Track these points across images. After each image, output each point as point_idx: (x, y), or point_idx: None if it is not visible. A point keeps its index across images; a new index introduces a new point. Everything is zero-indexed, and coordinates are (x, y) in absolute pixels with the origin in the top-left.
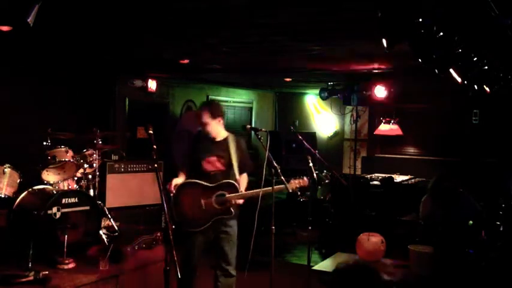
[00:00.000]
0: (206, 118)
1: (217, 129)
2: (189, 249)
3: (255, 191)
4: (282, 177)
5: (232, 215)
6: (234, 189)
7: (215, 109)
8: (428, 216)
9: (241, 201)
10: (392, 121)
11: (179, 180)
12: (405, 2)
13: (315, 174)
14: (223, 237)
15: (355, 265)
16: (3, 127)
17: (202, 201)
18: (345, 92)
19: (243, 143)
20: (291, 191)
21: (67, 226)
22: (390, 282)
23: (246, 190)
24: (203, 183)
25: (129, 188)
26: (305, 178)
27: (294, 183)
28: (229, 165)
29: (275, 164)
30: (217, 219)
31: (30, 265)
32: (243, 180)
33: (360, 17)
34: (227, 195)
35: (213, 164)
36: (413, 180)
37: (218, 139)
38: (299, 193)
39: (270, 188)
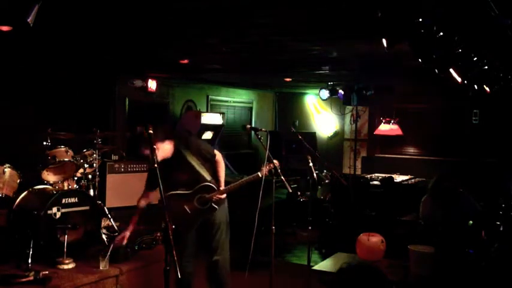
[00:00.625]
0: (146, 151)
1: (162, 151)
2: (182, 249)
3: (232, 185)
4: (282, 177)
5: (217, 210)
6: (211, 189)
7: (144, 143)
8: (428, 216)
9: (223, 196)
10: (392, 121)
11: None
12: (405, 2)
13: (315, 174)
14: (209, 226)
15: (360, 266)
16: (3, 127)
17: (187, 208)
18: (345, 92)
19: (192, 138)
20: (261, 175)
21: (67, 226)
22: (390, 282)
23: (225, 176)
24: (181, 192)
25: (129, 188)
26: (275, 160)
27: (264, 169)
28: (192, 171)
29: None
30: (203, 217)
31: (30, 265)
32: (219, 169)
33: (359, 17)
34: (207, 196)
35: (177, 178)
36: (413, 180)
37: (170, 155)
38: (299, 193)
39: (245, 179)
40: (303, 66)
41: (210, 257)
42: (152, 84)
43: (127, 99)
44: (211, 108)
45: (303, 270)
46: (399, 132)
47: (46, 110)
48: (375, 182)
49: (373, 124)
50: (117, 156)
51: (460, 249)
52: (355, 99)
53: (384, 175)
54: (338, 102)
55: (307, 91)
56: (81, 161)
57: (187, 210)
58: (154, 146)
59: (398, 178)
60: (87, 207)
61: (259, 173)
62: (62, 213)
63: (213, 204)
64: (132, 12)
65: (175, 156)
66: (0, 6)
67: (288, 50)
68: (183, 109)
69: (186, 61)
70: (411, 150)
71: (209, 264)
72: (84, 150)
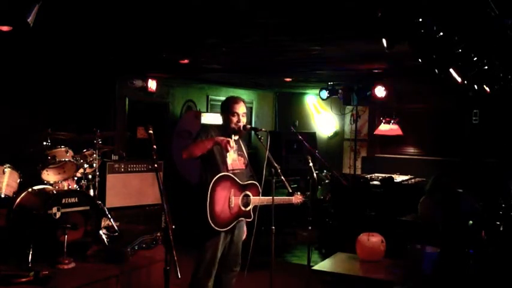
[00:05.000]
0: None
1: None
2: (212, 253)
3: (270, 197)
4: (282, 177)
5: (251, 219)
6: (258, 192)
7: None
8: (428, 217)
9: (258, 203)
10: (392, 121)
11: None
12: (405, 2)
13: (315, 174)
14: (236, 238)
15: None
16: (3, 127)
17: (233, 198)
18: (344, 92)
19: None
20: (294, 202)
21: (67, 226)
22: (390, 282)
23: None
24: (236, 179)
25: (129, 188)
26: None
27: (297, 199)
28: (247, 165)
29: (275, 164)
30: (239, 221)
31: (30, 265)
32: None
33: (360, 17)
34: (251, 198)
35: (236, 162)
36: (413, 180)
37: (235, 137)
38: (299, 193)
39: (290, 198)
40: (303, 66)
41: (233, 269)
42: (152, 84)
43: (127, 99)
44: (211, 108)
45: (303, 270)
46: (399, 132)
47: (46, 110)
48: (375, 182)
49: (373, 124)
50: (117, 156)
51: (460, 249)
52: (355, 99)
53: (384, 175)
54: (338, 102)
55: (307, 91)
56: (81, 161)
57: (232, 202)
58: (154, 146)
59: (398, 178)
60: (87, 207)
61: (293, 199)
62: (62, 213)
63: (251, 211)
64: (132, 12)
65: (238, 141)
66: (0, 6)
67: (288, 50)
68: (183, 109)
69: (186, 61)
70: (411, 150)
71: (228, 272)
72: (84, 150)
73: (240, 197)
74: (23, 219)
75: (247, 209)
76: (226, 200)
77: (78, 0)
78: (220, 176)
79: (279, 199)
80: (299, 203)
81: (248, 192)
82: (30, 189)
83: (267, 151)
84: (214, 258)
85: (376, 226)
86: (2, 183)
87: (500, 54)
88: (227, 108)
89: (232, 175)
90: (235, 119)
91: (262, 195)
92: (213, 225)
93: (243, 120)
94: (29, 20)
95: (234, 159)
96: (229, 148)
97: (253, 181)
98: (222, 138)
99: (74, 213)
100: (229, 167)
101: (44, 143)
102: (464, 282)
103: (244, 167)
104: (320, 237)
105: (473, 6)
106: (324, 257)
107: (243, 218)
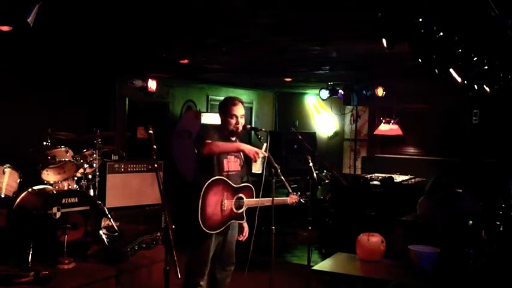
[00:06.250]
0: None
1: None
2: (204, 253)
3: (268, 199)
4: (282, 177)
5: (244, 220)
6: (251, 194)
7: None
8: (428, 217)
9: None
10: (392, 121)
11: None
12: (405, 2)
13: (315, 174)
14: (229, 238)
15: None
16: (3, 127)
17: (226, 202)
18: (344, 92)
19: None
20: (289, 203)
21: (67, 226)
22: (390, 282)
23: None
24: (229, 182)
25: (129, 188)
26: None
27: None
28: (243, 166)
29: (275, 164)
30: (231, 222)
31: (30, 265)
32: None
33: (360, 17)
34: (245, 200)
35: (232, 163)
36: (413, 180)
37: (232, 138)
38: (299, 193)
39: (285, 198)
40: (303, 66)
41: (227, 268)
42: (152, 84)
43: (127, 99)
44: (211, 108)
45: (303, 270)
46: (399, 132)
47: (46, 110)
48: (375, 182)
49: (373, 124)
50: (117, 156)
51: (460, 249)
52: (355, 99)
53: (384, 175)
54: (338, 102)
55: (307, 91)
56: (81, 161)
57: (225, 205)
58: (154, 146)
59: (398, 178)
60: (87, 207)
61: (288, 199)
62: (62, 213)
63: (244, 213)
64: (132, 12)
65: (235, 142)
66: (0, 6)
67: (288, 50)
68: (183, 109)
69: (186, 61)
70: (411, 150)
71: (223, 270)
72: (84, 150)
73: (233, 200)
74: (23, 219)
75: (240, 211)
76: (218, 203)
77: (78, 0)
78: (213, 180)
79: (274, 200)
80: (294, 203)
81: (241, 195)
82: (30, 189)
83: (267, 151)
84: (206, 258)
85: (376, 226)
86: (2, 183)
87: (500, 54)
88: (225, 110)
89: (226, 178)
90: (233, 122)
91: (262, 196)
92: (204, 228)
93: (241, 122)
94: (29, 20)
95: (230, 160)
96: (257, 158)
97: (247, 183)
98: (249, 148)
99: (74, 213)
100: (225, 169)
101: (44, 143)
102: (464, 282)
103: (239, 169)
104: (320, 237)
105: (473, 6)
106: (324, 257)
107: (234, 220)
